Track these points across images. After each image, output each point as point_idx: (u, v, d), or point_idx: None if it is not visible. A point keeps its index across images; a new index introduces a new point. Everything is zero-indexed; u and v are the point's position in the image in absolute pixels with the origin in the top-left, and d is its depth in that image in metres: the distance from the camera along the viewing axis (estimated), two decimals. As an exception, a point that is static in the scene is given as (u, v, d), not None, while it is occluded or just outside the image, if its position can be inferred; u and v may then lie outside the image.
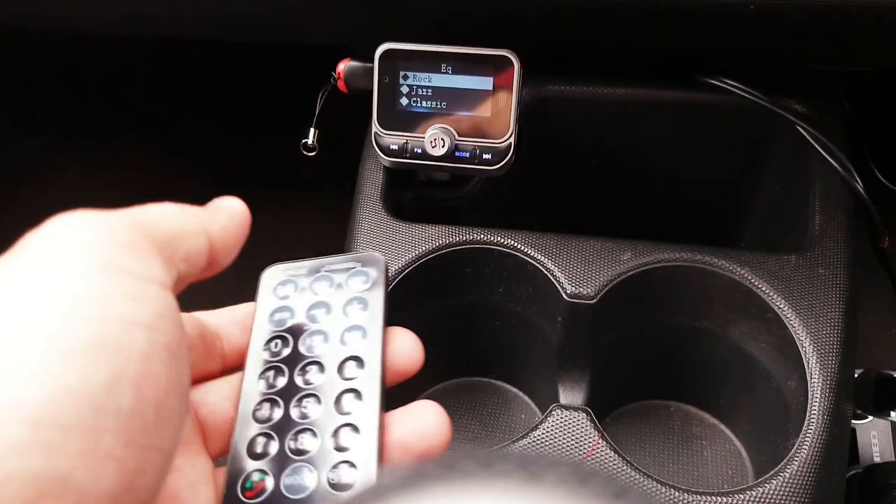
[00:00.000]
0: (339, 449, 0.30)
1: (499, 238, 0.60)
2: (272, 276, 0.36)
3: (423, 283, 0.61)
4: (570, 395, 0.58)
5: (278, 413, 0.31)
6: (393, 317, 0.61)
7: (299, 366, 0.33)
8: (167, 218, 0.29)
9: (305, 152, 0.68)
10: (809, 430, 0.50)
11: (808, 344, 0.53)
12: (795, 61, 0.69)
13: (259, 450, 0.30)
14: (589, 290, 0.56)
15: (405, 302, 0.61)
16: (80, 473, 0.21)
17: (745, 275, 0.56)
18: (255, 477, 0.30)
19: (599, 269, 0.57)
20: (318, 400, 0.31)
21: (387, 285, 0.37)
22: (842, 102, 0.69)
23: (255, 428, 0.31)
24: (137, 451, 0.23)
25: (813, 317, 0.53)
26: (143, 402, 0.23)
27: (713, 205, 0.75)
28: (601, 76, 0.69)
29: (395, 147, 0.64)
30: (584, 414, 0.52)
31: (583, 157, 0.75)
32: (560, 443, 0.51)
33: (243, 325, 0.34)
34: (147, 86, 1.31)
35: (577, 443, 0.51)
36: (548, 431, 0.51)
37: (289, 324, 0.34)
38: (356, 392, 0.31)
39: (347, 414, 0.31)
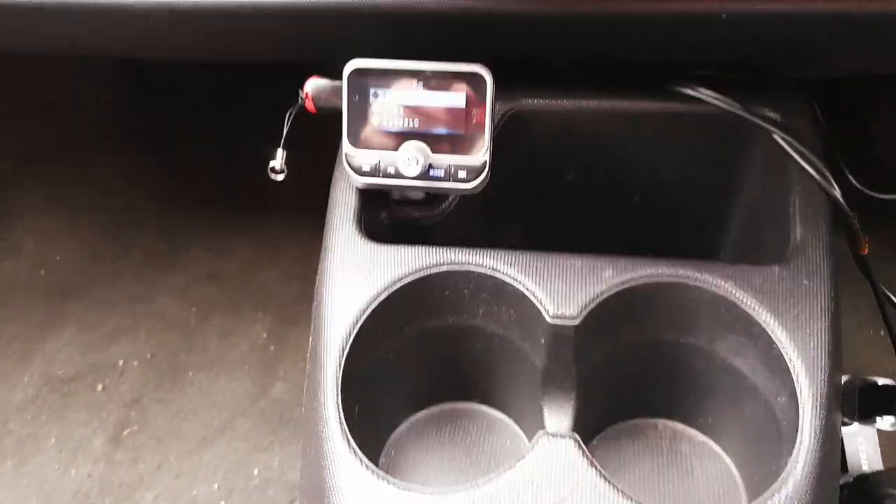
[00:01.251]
0: None
1: (477, 258, 0.58)
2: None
3: (400, 307, 0.59)
4: (556, 419, 0.57)
5: None
6: (370, 342, 0.59)
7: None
8: None
9: (273, 175, 0.66)
10: (802, 448, 0.49)
11: (795, 358, 0.52)
12: (767, 69, 0.68)
13: None
14: (572, 311, 0.55)
15: (383, 327, 0.59)
16: None
17: (729, 289, 0.55)
18: None
19: (581, 288, 0.55)
20: None
21: None
22: (814, 109, 0.68)
23: None
24: None
25: (799, 330, 0.53)
26: None
27: (692, 214, 0.74)
28: (574, 88, 0.68)
29: (368, 167, 0.62)
30: (572, 441, 0.50)
31: (558, 170, 0.74)
32: (548, 473, 0.49)
33: None
34: (112, 107, 1.28)
35: (565, 472, 0.49)
36: (535, 462, 0.50)
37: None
38: None
39: None
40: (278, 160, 0.66)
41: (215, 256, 1.23)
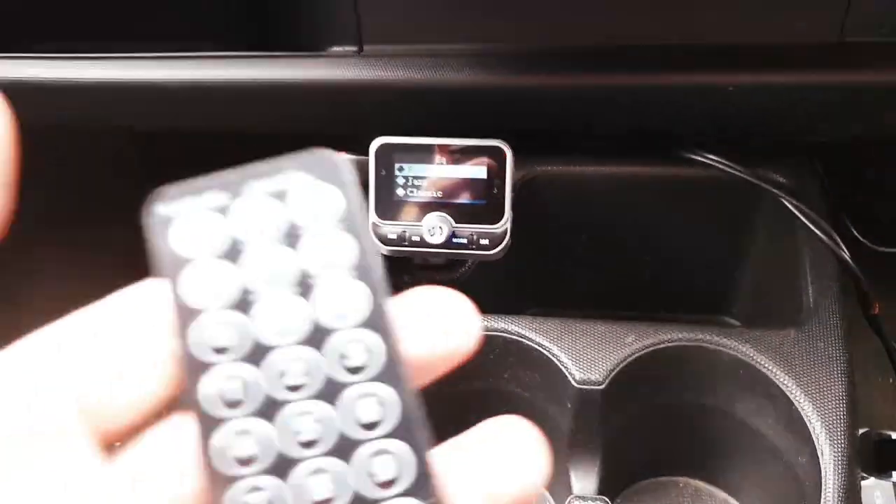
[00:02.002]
0: (382, 485, 0.20)
1: (502, 324, 0.60)
2: (166, 213, 0.21)
3: (428, 373, 0.61)
4: (583, 481, 0.58)
5: (266, 450, 0.20)
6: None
7: (268, 362, 0.20)
8: None
9: None
10: None
11: (815, 420, 0.53)
12: (773, 134, 0.71)
13: None
14: (597, 376, 0.57)
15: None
16: None
17: (748, 352, 0.57)
18: None
19: (605, 353, 0.57)
20: (320, 420, 0.20)
21: (362, 202, 0.22)
22: (818, 170, 0.71)
23: (236, 483, 0.19)
24: None
25: (818, 392, 0.54)
26: None
27: (703, 274, 0.77)
28: (587, 154, 0.71)
29: (394, 236, 0.65)
30: None
31: (573, 232, 0.76)
32: (581, 537, 0.50)
33: None
34: (130, 174, 1.31)
35: (597, 535, 0.51)
36: (568, 525, 0.51)
37: (227, 294, 0.20)
38: (380, 397, 0.20)
39: (378, 437, 0.20)
40: None
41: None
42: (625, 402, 0.58)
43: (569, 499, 0.53)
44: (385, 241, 0.65)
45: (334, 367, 0.20)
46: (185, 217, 0.21)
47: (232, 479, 0.19)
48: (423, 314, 0.22)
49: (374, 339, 0.20)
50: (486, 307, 0.63)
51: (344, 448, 0.20)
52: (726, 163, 0.67)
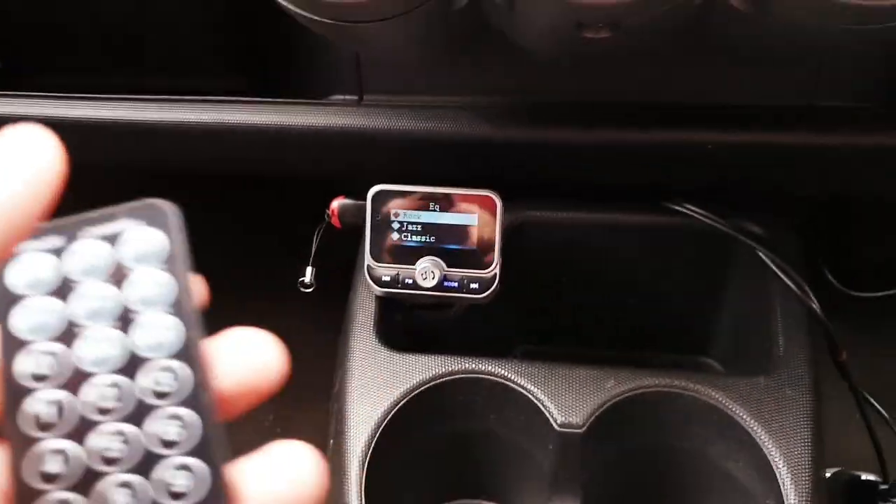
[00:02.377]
0: (176, 496, 0.22)
1: (488, 367, 0.63)
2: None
3: (416, 412, 0.63)
4: (565, 521, 0.61)
5: (74, 467, 0.22)
6: (389, 447, 0.64)
7: (84, 390, 0.23)
8: None
9: (303, 289, 0.71)
10: None
11: (781, 465, 0.57)
12: (748, 189, 0.75)
13: None
14: (577, 419, 0.60)
15: (401, 433, 0.63)
16: None
17: (720, 398, 0.60)
18: None
19: (586, 397, 0.60)
20: (126, 438, 0.23)
21: (185, 246, 0.24)
22: (794, 223, 0.75)
23: (41, 496, 0.22)
24: None
25: (784, 438, 0.57)
26: None
27: (683, 316, 0.80)
28: (574, 202, 0.74)
29: (388, 278, 0.68)
30: None
31: (559, 275, 0.80)
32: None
33: None
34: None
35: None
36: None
37: (51, 326, 0.23)
38: (182, 420, 0.23)
39: (177, 455, 0.23)
40: (308, 276, 0.71)
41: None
42: (604, 444, 0.61)
43: (549, 537, 0.55)
44: (379, 283, 0.68)
45: (145, 393, 0.23)
46: (22, 258, 0.23)
47: (39, 493, 0.22)
48: (233, 350, 0.24)
49: (183, 368, 0.23)
50: (475, 345, 0.67)
51: (146, 464, 0.22)
52: (706, 214, 0.71)
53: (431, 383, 0.63)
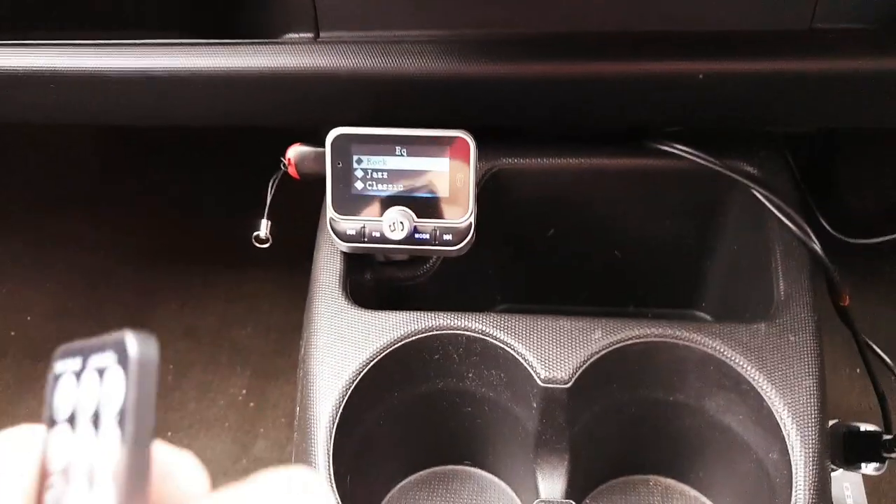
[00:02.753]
0: None
1: (466, 322, 0.58)
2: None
3: (390, 372, 0.58)
4: (550, 482, 0.56)
5: None
6: (360, 411, 0.59)
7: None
8: None
9: (258, 244, 0.65)
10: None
11: (786, 416, 0.52)
12: (742, 124, 0.70)
13: None
14: (563, 374, 0.55)
15: (372, 395, 0.58)
16: None
17: (717, 347, 0.55)
18: None
19: (571, 350, 0.56)
20: None
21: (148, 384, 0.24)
22: (788, 161, 0.70)
23: None
24: None
25: (788, 387, 0.53)
26: None
27: (672, 267, 0.75)
28: (553, 147, 0.69)
29: (353, 232, 0.62)
30: None
31: (539, 228, 0.75)
32: (547, 542, 0.49)
33: None
34: (89, 168, 1.27)
35: (565, 540, 0.49)
36: (534, 531, 0.49)
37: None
38: None
39: None
40: (263, 229, 0.65)
41: (192, 311, 1.22)
42: (592, 400, 0.57)
43: (535, 502, 0.51)
44: (343, 237, 0.62)
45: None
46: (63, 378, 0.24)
47: None
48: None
49: None
50: (452, 304, 0.61)
51: None
52: (697, 153, 0.66)
53: (403, 341, 0.58)
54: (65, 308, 1.23)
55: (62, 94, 0.67)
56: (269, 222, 0.66)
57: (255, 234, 0.65)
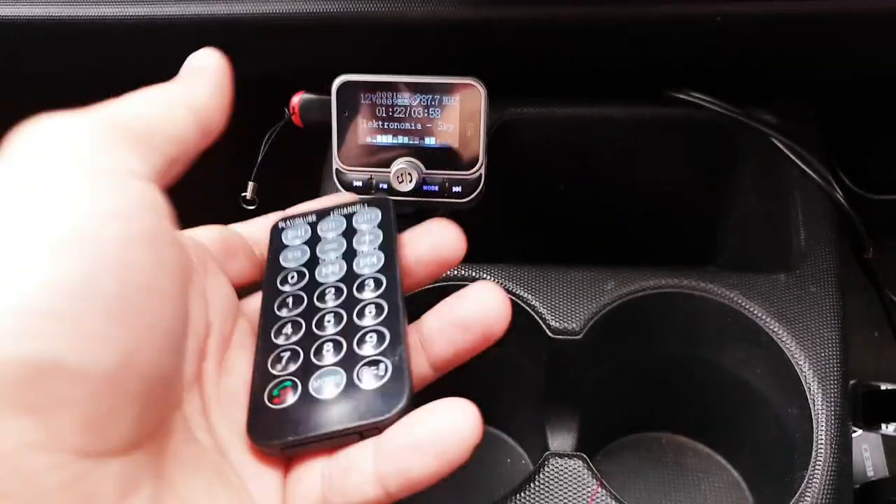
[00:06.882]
0: (366, 353, 0.33)
1: (474, 273, 0.57)
2: (281, 225, 0.41)
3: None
4: (560, 438, 0.55)
5: (301, 331, 0.35)
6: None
7: (317, 292, 0.36)
8: (142, 108, 0.30)
9: (245, 206, 0.64)
10: (818, 464, 0.47)
11: (807, 369, 0.50)
12: (762, 72, 0.67)
13: (284, 363, 0.33)
14: (574, 325, 0.53)
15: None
16: (72, 355, 0.23)
17: (735, 298, 0.53)
18: (284, 383, 0.32)
19: (583, 301, 0.54)
20: (340, 317, 0.35)
21: (395, 219, 0.43)
22: (811, 111, 0.67)
23: (278, 346, 0.34)
24: (129, 332, 0.25)
25: (809, 339, 0.51)
26: (128, 286, 0.25)
27: (689, 221, 0.73)
28: (565, 96, 0.67)
29: (360, 183, 0.60)
30: (581, 461, 0.49)
31: (550, 181, 0.73)
32: (557, 494, 0.47)
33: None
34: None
35: (574, 493, 0.47)
36: (544, 483, 0.48)
37: (303, 260, 0.39)
38: (377, 305, 0.35)
39: (370, 324, 0.34)
40: (249, 191, 0.64)
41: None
42: (604, 353, 0.55)
43: (545, 455, 0.49)
44: (350, 188, 0.61)
45: (355, 292, 0.37)
46: (290, 223, 0.43)
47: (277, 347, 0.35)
48: (420, 236, 0.39)
49: (381, 276, 0.38)
50: (459, 259, 0.60)
51: (349, 332, 0.35)
52: (715, 101, 0.63)
53: (410, 293, 0.56)
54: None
55: (58, 45, 0.66)
56: (256, 185, 0.64)
57: (243, 195, 0.64)
